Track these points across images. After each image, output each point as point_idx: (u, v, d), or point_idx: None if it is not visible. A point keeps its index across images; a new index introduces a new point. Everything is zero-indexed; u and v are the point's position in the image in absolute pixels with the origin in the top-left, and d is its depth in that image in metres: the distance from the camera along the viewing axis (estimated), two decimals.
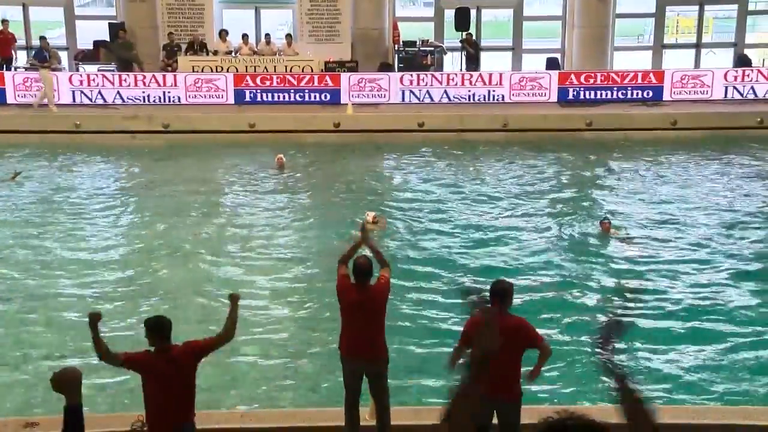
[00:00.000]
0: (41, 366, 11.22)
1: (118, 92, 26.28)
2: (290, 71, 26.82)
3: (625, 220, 17.85)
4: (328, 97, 26.53)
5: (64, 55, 28.66)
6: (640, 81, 27.07)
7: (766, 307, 13.33)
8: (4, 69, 26.96)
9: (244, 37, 27.86)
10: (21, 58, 28.69)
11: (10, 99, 26.09)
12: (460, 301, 12.19)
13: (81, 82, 26.49)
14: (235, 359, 11.31)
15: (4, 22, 27.80)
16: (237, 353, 11.35)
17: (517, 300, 8.70)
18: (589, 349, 10.80)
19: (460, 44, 28.37)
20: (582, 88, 26.86)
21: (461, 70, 28.18)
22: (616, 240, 16.37)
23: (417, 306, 13.04)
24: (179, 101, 26.26)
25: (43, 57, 25.69)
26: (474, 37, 28.70)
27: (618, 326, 3.46)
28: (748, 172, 21.85)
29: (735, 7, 30.36)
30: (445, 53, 29.21)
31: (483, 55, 29.37)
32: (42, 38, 26.66)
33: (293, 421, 9.27)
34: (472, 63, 28.20)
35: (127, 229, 17.50)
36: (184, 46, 27.70)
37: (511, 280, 9.01)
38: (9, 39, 27.69)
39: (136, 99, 26.23)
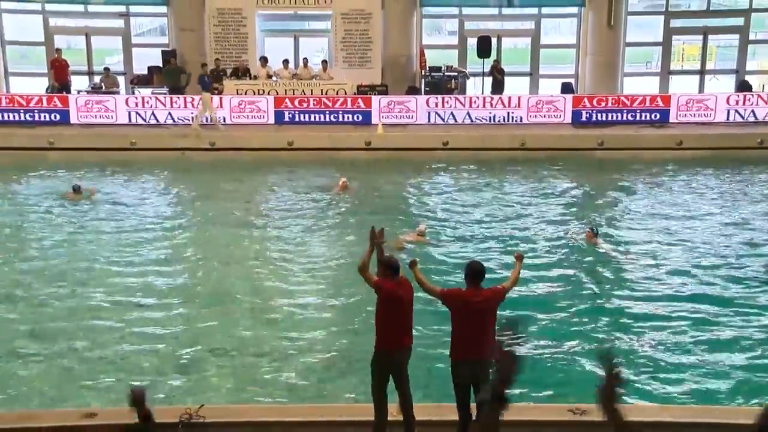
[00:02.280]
0: (101, 359, 11.34)
1: (169, 113, 26.47)
2: (326, 94, 26.91)
3: (630, 232, 17.85)
4: (360, 117, 26.58)
5: (121, 80, 28.92)
6: (648, 104, 26.92)
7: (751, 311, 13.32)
8: (64, 93, 27.22)
9: (285, 62, 27.99)
10: (82, 82, 28.90)
11: (73, 119, 26.27)
12: None
13: (136, 104, 26.69)
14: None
15: (58, 50, 28.16)
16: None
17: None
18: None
19: (489, 70, 28.37)
20: (594, 111, 26.76)
21: (482, 93, 28.14)
22: (601, 247, 16.32)
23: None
24: (224, 121, 26.35)
25: (205, 82, 26.01)
26: (500, 64, 28.67)
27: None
28: (749, 190, 21.74)
29: (737, 36, 30.25)
30: (468, 78, 29.19)
31: (505, 81, 29.33)
32: (203, 65, 27.08)
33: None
34: (498, 88, 28.16)
35: (178, 237, 17.57)
36: (229, 71, 27.88)
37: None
38: (64, 66, 27.99)
39: (185, 119, 26.38)
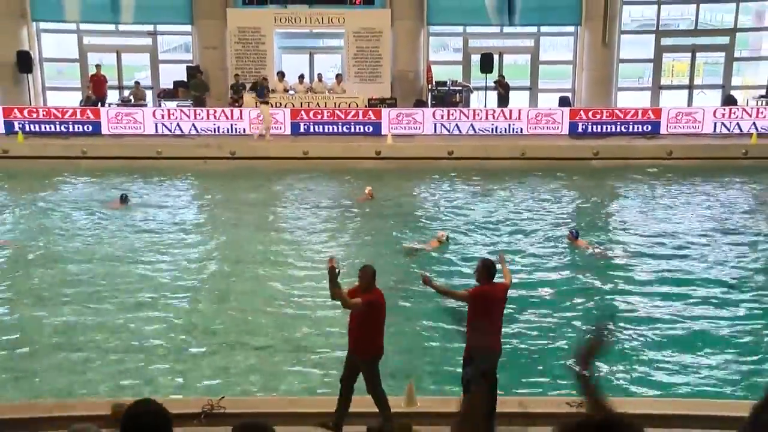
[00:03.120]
0: (131, 352, 11.38)
1: (193, 124, 26.53)
2: (339, 107, 26.95)
3: (623, 236, 17.83)
4: (371, 129, 26.59)
5: (149, 93, 29.03)
6: (640, 117, 26.91)
7: (735, 309, 13.30)
8: (99, 106, 27.32)
9: (301, 77, 28.02)
10: (113, 96, 29.00)
11: (104, 130, 26.35)
12: None
13: (162, 116, 26.77)
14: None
15: (98, 66, 28.31)
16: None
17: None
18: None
19: (493, 84, 28.38)
20: (590, 123, 26.73)
21: (485, 106, 28.12)
22: (583, 248, 16.36)
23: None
24: (244, 132, 26.42)
25: (262, 94, 26.06)
26: (506, 79, 28.64)
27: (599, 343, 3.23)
28: (734, 197, 21.72)
29: (723, 54, 30.18)
30: (472, 92, 29.20)
31: (494, 94, 29.38)
32: (264, 78, 27.27)
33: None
34: (504, 102, 28.15)
35: (200, 240, 17.58)
36: (248, 86, 27.93)
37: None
38: (102, 81, 28.18)
39: (207, 130, 26.44)
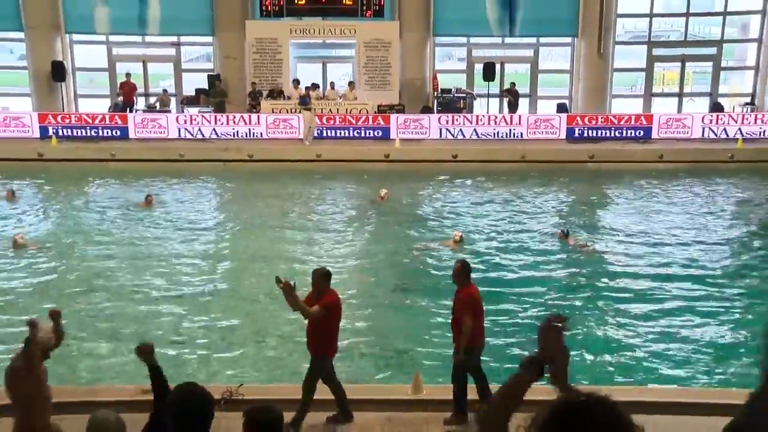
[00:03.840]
0: (159, 343, 11.32)
1: (214, 129, 26.54)
2: (350, 112, 26.94)
3: (613, 234, 17.80)
4: (380, 133, 26.57)
5: (172, 100, 29.08)
6: (633, 123, 26.84)
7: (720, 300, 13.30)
8: (128, 111, 27.40)
9: (314, 85, 28.04)
10: (139, 103, 28.99)
11: (131, 135, 26.41)
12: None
13: (185, 121, 26.80)
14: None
15: (128, 74, 28.38)
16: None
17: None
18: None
19: (504, 92, 28.47)
20: (586, 128, 26.66)
21: (488, 112, 28.12)
22: (573, 246, 16.31)
23: None
24: (261, 136, 26.43)
25: (305, 101, 26.08)
26: (515, 87, 28.61)
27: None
28: (720, 197, 21.69)
29: (710, 64, 30.11)
30: (475, 99, 29.15)
31: (505, 100, 29.34)
32: (308, 88, 27.24)
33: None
34: (513, 108, 28.10)
35: (220, 237, 17.63)
36: (265, 93, 27.95)
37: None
38: (132, 88, 28.23)
39: (227, 134, 26.44)
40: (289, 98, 27.71)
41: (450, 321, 8.66)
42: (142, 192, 20.78)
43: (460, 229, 16.92)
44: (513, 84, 28.56)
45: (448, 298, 12.43)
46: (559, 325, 2.91)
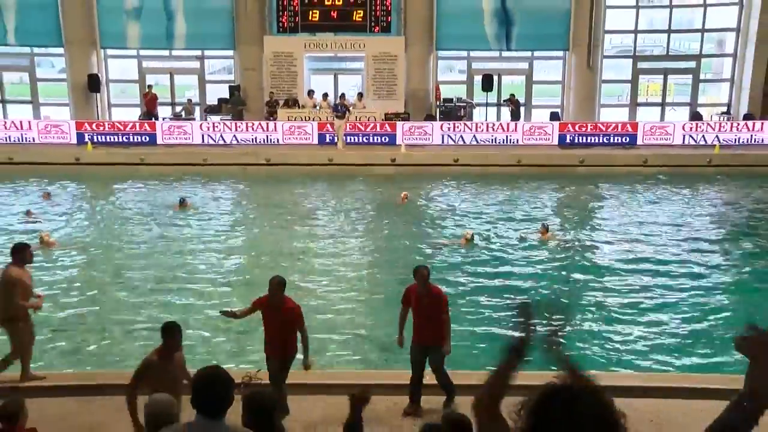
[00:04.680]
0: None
1: (234, 135, 26.61)
2: (359, 120, 26.94)
3: (601, 231, 17.85)
4: (387, 139, 26.58)
5: (197, 109, 29.14)
6: (619, 130, 26.80)
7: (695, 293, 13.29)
8: (155, 120, 27.49)
9: (324, 96, 28.06)
10: (167, 111, 29.15)
11: (159, 141, 26.50)
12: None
13: (208, 128, 26.89)
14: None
15: (150, 86, 28.51)
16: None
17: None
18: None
19: (505, 102, 28.49)
20: (576, 135, 26.63)
21: (485, 119, 28.11)
22: (552, 242, 16.29)
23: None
24: (278, 142, 26.48)
25: (337, 110, 26.11)
26: (516, 97, 28.55)
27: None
28: (699, 199, 21.69)
29: (690, 76, 30.06)
30: (474, 107, 29.14)
31: (503, 109, 29.34)
32: (360, 93, 27.57)
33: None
34: (515, 116, 28.07)
35: (242, 235, 17.67)
36: (281, 102, 27.98)
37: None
38: (154, 99, 28.30)
39: (247, 140, 26.52)
40: (303, 107, 27.75)
41: (419, 319, 8.39)
42: (170, 192, 20.88)
43: (471, 229, 16.78)
44: (513, 95, 28.55)
45: (453, 290, 12.59)
46: (528, 301, 2.93)
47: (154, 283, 13.85)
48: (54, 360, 10.52)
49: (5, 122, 27.04)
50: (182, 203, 19.36)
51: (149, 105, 28.16)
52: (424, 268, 8.42)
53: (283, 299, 8.21)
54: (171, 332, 6.90)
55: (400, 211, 19.53)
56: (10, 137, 26.50)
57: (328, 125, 26.42)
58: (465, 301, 12.61)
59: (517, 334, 2.82)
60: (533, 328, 2.81)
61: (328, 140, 26.48)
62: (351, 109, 26.48)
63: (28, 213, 18.47)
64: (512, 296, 12.84)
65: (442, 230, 17.70)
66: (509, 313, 12.08)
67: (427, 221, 18.66)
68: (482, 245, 16.23)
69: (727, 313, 12.36)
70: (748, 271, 14.86)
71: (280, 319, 8.18)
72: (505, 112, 29.06)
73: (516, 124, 27.13)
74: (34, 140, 26.50)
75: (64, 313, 12.25)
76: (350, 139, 26.37)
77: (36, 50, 29.45)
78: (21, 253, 8.88)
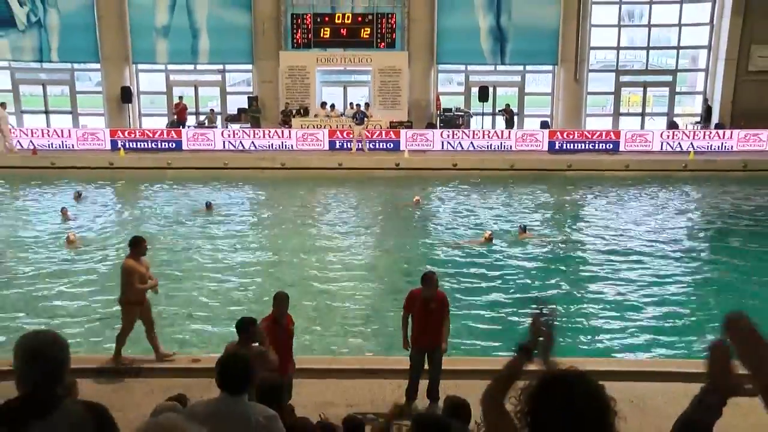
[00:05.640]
0: (210, 319, 11.44)
1: (252, 142, 26.64)
2: (366, 128, 26.93)
3: (587, 230, 17.80)
4: (392, 145, 26.59)
5: (219, 117, 29.20)
6: (604, 137, 26.78)
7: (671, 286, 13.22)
8: (181, 127, 27.57)
9: (332, 106, 28.10)
10: (191, 120, 29.18)
11: (184, 147, 26.56)
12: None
13: (229, 135, 26.94)
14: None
15: (180, 97, 28.69)
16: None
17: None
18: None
19: (500, 112, 28.50)
20: (564, 142, 26.61)
21: (482, 127, 28.14)
22: (531, 240, 16.18)
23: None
24: (292, 148, 26.51)
25: (356, 118, 26.13)
26: (511, 107, 28.57)
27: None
28: (676, 199, 21.65)
29: (667, 89, 30.06)
30: (471, 116, 29.14)
31: (498, 118, 29.33)
32: (367, 104, 27.29)
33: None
34: (510, 125, 28.07)
35: (258, 232, 17.70)
36: (295, 111, 28.02)
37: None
38: (183, 108, 28.41)
39: (264, 146, 26.55)
40: (315, 116, 27.79)
41: (422, 324, 8.02)
42: (197, 194, 20.93)
43: (489, 229, 16.65)
44: (508, 105, 28.55)
45: (458, 283, 12.62)
46: (545, 312, 2.95)
47: (184, 274, 13.88)
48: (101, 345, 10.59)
49: (48, 130, 27.15)
50: (208, 206, 19.23)
51: (180, 114, 28.28)
52: (434, 274, 8.05)
53: (287, 316, 7.64)
54: (245, 327, 6.84)
55: (411, 212, 19.41)
56: (52, 144, 26.60)
57: (346, 132, 26.45)
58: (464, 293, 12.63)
59: (529, 335, 2.86)
60: (546, 332, 2.84)
61: (337, 146, 26.51)
62: (369, 116, 26.52)
63: (63, 211, 18.50)
64: (505, 294, 12.84)
65: (455, 230, 17.44)
66: (507, 309, 12.13)
67: (437, 222, 18.53)
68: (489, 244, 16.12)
69: (699, 305, 12.36)
70: (717, 265, 14.85)
71: (286, 337, 7.63)
72: (500, 121, 29.13)
73: (510, 131, 27.15)
74: (73, 147, 26.59)
75: (112, 308, 12.31)
76: (359, 146, 26.35)
77: (76, 66, 29.63)
78: (137, 246, 9.21)
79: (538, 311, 2.96)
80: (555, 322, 2.90)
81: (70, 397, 5.97)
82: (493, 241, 15.81)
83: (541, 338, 2.83)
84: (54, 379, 2.99)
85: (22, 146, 26.37)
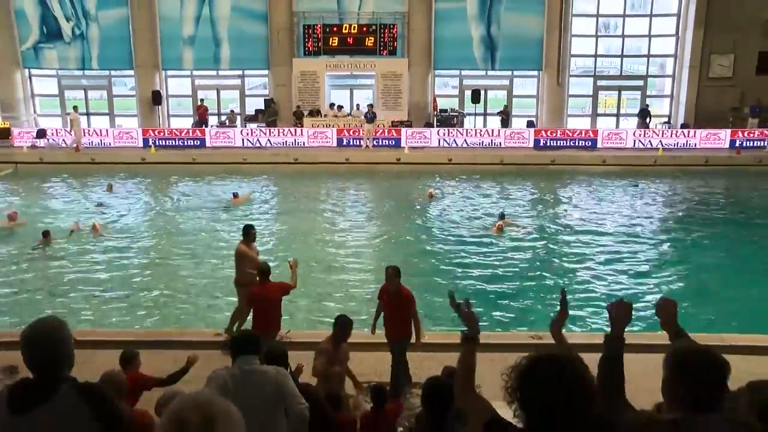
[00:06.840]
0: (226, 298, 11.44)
1: (269, 139, 26.57)
2: (375, 126, 26.76)
3: (565, 218, 17.71)
4: (393, 142, 26.50)
5: (238, 118, 29.09)
6: (583, 135, 26.66)
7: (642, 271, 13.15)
8: (203, 126, 27.48)
9: (339, 107, 27.99)
10: (213, 120, 29.08)
11: (208, 144, 26.48)
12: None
13: (247, 134, 26.84)
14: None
15: (202, 100, 28.64)
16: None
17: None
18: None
19: (498, 113, 28.35)
20: (548, 139, 26.49)
21: (474, 126, 28.02)
22: (511, 228, 15.98)
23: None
24: (303, 145, 26.42)
25: (368, 116, 25.91)
26: (508, 108, 28.42)
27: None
28: (647, 191, 21.55)
29: (639, 93, 29.89)
30: (465, 117, 29.01)
31: (489, 118, 29.19)
32: (371, 105, 26.86)
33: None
34: (506, 124, 27.90)
35: (273, 222, 17.63)
36: (306, 112, 27.91)
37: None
38: (204, 110, 28.36)
39: (278, 143, 26.47)
40: (325, 116, 27.69)
41: (389, 317, 7.73)
42: (223, 187, 20.86)
43: (490, 216, 16.49)
44: (506, 106, 28.48)
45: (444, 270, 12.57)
46: (460, 301, 3.03)
47: (203, 261, 13.86)
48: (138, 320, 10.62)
49: (89, 130, 27.15)
50: (235, 196, 18.99)
51: (202, 115, 28.23)
52: (390, 268, 7.53)
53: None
54: (340, 323, 6.81)
55: (432, 206, 18.91)
56: (92, 142, 26.56)
57: (353, 130, 26.35)
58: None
59: (463, 323, 2.91)
60: (468, 313, 2.92)
61: (345, 143, 26.41)
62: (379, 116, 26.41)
63: (99, 205, 18.48)
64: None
65: (464, 222, 17.11)
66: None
67: (455, 215, 18.08)
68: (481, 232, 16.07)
69: (665, 280, 12.44)
70: (683, 249, 14.87)
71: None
72: (491, 120, 29.01)
73: (500, 130, 27.03)
74: (110, 144, 26.55)
75: (152, 292, 12.33)
76: (364, 143, 26.27)
77: (113, 72, 29.52)
78: (248, 233, 9.24)
79: (454, 301, 3.05)
80: (566, 296, 3.18)
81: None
82: (503, 230, 15.56)
83: (469, 320, 2.90)
84: (52, 366, 2.76)
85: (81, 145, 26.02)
